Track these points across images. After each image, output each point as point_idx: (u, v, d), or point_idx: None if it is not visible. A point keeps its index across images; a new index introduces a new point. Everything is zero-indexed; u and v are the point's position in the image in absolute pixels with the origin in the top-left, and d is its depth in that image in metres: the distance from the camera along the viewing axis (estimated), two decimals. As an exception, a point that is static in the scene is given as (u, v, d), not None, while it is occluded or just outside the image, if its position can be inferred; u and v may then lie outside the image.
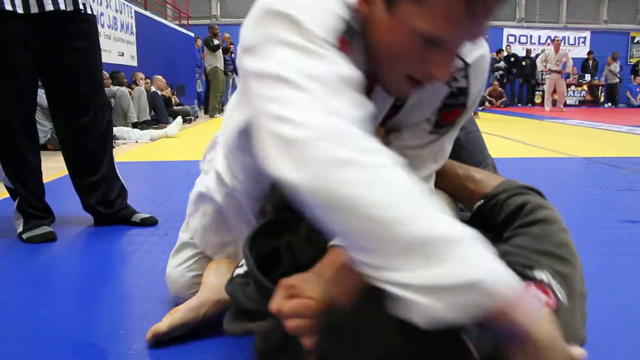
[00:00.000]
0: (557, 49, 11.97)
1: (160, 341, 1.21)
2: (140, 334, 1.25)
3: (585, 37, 16.99)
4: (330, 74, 0.73)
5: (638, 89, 16.14)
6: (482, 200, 1.03)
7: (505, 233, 0.94)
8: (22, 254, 1.96)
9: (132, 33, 9.41)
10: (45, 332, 1.31)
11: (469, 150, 1.34)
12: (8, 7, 1.91)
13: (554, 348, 0.64)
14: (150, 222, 2.30)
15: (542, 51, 14.07)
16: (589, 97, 16.28)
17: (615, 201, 2.87)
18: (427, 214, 0.65)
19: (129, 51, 9.21)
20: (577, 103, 15.93)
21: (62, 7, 2.02)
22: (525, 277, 0.80)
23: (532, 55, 15.56)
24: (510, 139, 6.07)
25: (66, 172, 2.36)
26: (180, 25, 13.73)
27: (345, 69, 0.75)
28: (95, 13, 2.21)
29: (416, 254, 0.62)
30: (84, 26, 2.13)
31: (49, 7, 1.99)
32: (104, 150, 2.28)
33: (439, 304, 0.61)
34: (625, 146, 5.65)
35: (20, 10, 1.94)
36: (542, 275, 0.81)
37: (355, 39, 0.82)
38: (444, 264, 0.61)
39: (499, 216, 0.99)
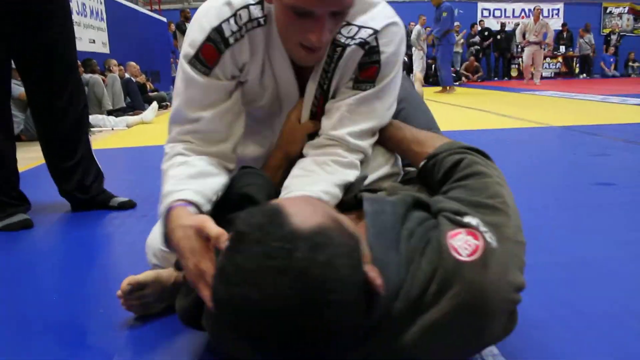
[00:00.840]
0: (536, 19, 11.51)
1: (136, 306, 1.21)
2: (122, 312, 1.25)
3: (558, 9, 17.08)
4: (178, 104, 1.14)
5: (611, 60, 16.33)
6: (425, 160, 1.08)
7: (443, 187, 0.99)
8: (-1, 242, 1.94)
9: (102, 19, 9.24)
10: (27, 314, 1.30)
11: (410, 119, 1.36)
12: None
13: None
14: (128, 206, 2.29)
15: (517, 24, 14.13)
16: (564, 69, 16.42)
17: (589, 166, 2.92)
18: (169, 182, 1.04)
19: (100, 38, 9.04)
20: (552, 75, 16.06)
21: None
22: (457, 223, 0.85)
23: (507, 28, 15.61)
24: (487, 112, 6.11)
25: (40, 162, 2.33)
26: (152, 10, 13.51)
27: (194, 90, 1.12)
28: None
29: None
30: (56, 6, 2.09)
31: None
32: (79, 134, 2.25)
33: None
34: (599, 114, 5.74)
35: None
36: (472, 220, 0.85)
37: (250, 31, 1.09)
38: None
39: (438, 173, 1.04)
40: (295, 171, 1.13)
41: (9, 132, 2.14)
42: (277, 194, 1.10)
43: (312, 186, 1.06)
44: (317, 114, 1.19)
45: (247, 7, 1.08)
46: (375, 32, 1.11)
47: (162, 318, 1.23)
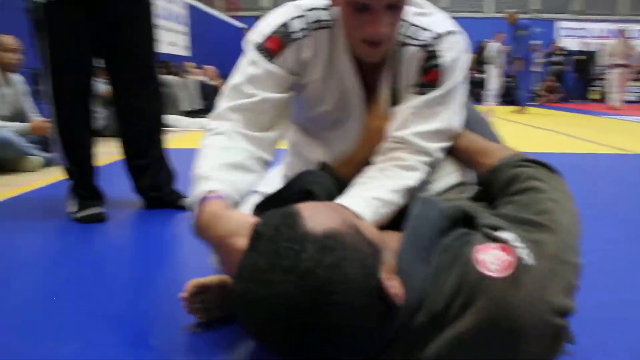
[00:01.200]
0: (623, 40, 10.80)
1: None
2: (185, 314, 1.26)
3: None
4: (237, 80, 1.18)
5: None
6: (486, 172, 1.06)
7: (496, 202, 0.97)
8: (74, 233, 2.01)
9: (185, 24, 9.58)
10: (93, 309, 1.34)
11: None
12: None
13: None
14: (197, 206, 2.32)
15: (601, 45, 13.57)
16: (650, 93, 15.59)
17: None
18: (208, 164, 1.06)
19: (181, 41, 9.37)
20: (637, 99, 15.27)
21: None
22: (490, 237, 0.83)
23: (588, 49, 15.02)
24: (563, 134, 5.87)
25: (118, 158, 2.42)
26: (230, 16, 13.88)
27: (256, 69, 1.16)
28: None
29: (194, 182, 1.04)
30: (140, 10, 2.18)
31: None
32: (155, 133, 2.33)
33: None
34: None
35: None
36: (507, 235, 0.82)
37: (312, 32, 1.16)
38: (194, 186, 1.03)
39: (495, 187, 1.01)
40: (357, 179, 1.12)
41: (89, 127, 2.23)
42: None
43: (366, 192, 1.05)
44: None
45: (315, 9, 1.17)
46: (439, 35, 1.14)
47: (223, 327, 1.23)
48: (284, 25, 1.16)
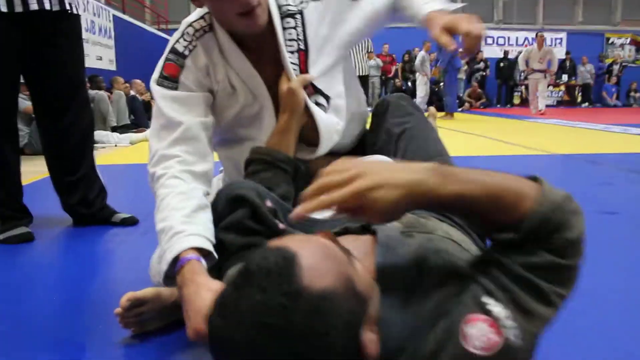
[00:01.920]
0: (540, 46, 10.79)
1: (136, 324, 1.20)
2: (120, 328, 1.24)
3: (561, 38, 17.24)
4: (159, 122, 1.27)
5: (613, 89, 16.42)
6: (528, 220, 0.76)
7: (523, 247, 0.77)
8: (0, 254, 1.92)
9: (110, 37, 9.34)
10: (26, 329, 1.29)
11: (420, 140, 1.39)
12: None
13: None
14: (130, 222, 2.28)
15: (520, 52, 14.17)
16: (566, 97, 16.50)
17: (593, 194, 2.91)
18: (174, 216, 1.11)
19: (107, 55, 9.13)
20: (555, 103, 16.13)
21: (48, 6, 2.01)
22: (481, 307, 0.74)
23: (510, 56, 15.74)
24: (490, 138, 6.13)
25: (43, 176, 2.34)
26: (159, 29, 13.64)
27: (169, 102, 1.26)
28: (79, 13, 2.19)
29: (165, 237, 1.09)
30: (68, 25, 2.12)
31: (34, 6, 1.97)
32: (84, 150, 2.26)
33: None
34: (601, 143, 5.75)
35: (4, 9, 1.92)
36: (499, 311, 0.73)
37: (198, 38, 1.28)
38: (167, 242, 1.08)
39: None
40: None
41: (15, 145, 2.15)
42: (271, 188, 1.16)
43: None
44: (303, 71, 1.33)
45: (190, 24, 1.29)
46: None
47: (160, 336, 1.22)
48: (172, 51, 1.28)
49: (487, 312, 0.73)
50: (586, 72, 16.16)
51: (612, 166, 3.96)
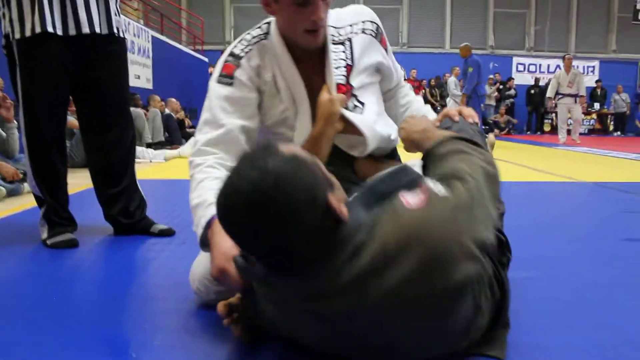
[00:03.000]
0: (568, 69, 10.19)
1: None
2: (162, 327, 1.34)
3: (594, 66, 17.10)
4: (206, 115, 1.46)
5: (647, 118, 16.18)
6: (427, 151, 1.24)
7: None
8: (47, 259, 2.06)
9: (148, 57, 9.65)
10: (72, 327, 1.39)
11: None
12: (50, 29, 2.07)
13: None
14: (168, 233, 2.40)
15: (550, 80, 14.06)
16: (598, 126, 16.32)
17: (618, 222, 2.93)
18: (209, 193, 1.30)
19: (145, 74, 9.42)
20: (586, 132, 15.96)
21: (98, 30, 2.18)
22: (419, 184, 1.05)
23: (541, 83, 15.69)
24: (518, 164, 6.14)
25: (83, 188, 2.48)
26: (195, 50, 14.01)
27: (221, 101, 1.45)
28: (125, 37, 2.35)
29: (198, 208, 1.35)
30: (115, 48, 2.28)
31: (86, 30, 2.15)
32: (127, 164, 2.41)
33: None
34: (633, 172, 5.71)
35: (60, 33, 2.09)
36: (428, 182, 1.05)
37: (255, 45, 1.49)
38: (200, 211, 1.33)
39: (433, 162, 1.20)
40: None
41: (64, 157, 2.30)
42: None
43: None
44: (347, 80, 1.51)
45: (248, 33, 1.51)
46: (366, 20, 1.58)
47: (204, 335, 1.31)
48: (230, 54, 1.48)
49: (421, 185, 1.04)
50: (621, 100, 15.97)
51: (637, 194, 3.95)
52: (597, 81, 16.40)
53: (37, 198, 2.29)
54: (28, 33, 2.07)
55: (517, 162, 6.36)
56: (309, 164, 0.97)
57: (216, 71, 1.48)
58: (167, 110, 8.16)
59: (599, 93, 16.31)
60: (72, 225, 2.30)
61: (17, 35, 2.09)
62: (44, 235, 2.21)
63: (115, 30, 2.25)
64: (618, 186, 4.38)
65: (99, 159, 2.38)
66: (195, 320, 1.43)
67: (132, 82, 8.50)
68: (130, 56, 8.44)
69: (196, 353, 1.23)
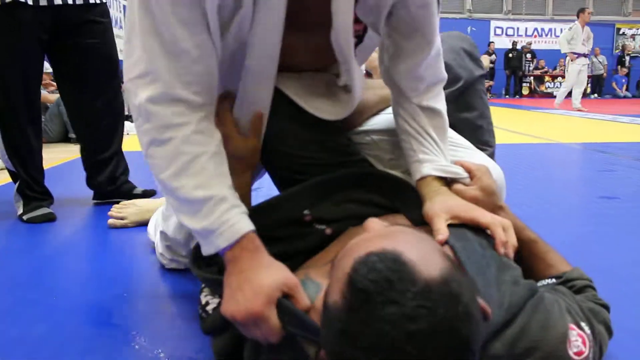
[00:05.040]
0: (584, 24, 9.13)
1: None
2: (144, 295, 1.34)
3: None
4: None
5: (623, 80, 16.35)
6: (555, 279, 1.05)
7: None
8: (24, 234, 2.03)
9: (121, 27, 9.42)
10: (56, 298, 1.39)
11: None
12: None
13: None
14: (151, 193, 2.44)
15: (529, 43, 14.04)
16: (575, 89, 16.45)
17: (595, 181, 2.98)
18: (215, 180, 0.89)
19: (119, 45, 9.22)
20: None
21: (70, 1, 2.10)
22: (573, 318, 0.89)
23: (519, 47, 15.72)
24: (499, 128, 6.17)
25: (59, 162, 2.44)
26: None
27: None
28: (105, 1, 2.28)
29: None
30: (93, 13, 2.21)
31: (58, 1, 2.07)
32: (117, 128, 2.42)
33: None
34: (608, 133, 5.79)
35: (30, 2, 2.02)
36: (587, 330, 0.89)
37: None
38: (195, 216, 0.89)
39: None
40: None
41: (39, 131, 2.26)
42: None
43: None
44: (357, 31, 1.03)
45: None
46: None
47: (179, 296, 1.31)
48: None
49: (581, 328, 0.88)
50: (598, 62, 16.08)
51: (615, 154, 4.02)
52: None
53: (10, 173, 2.25)
54: (-3, 2, 1.99)
55: (498, 125, 6.38)
56: (458, 274, 0.68)
57: None
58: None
59: (576, 55, 16.39)
60: (48, 199, 2.26)
61: (-14, 4, 2.01)
62: (20, 210, 2.18)
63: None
64: (593, 146, 4.44)
65: (88, 125, 2.36)
66: (180, 285, 1.43)
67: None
68: (119, 32, 8.27)
69: (181, 318, 1.24)
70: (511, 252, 0.94)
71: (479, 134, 1.46)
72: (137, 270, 1.60)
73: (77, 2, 2.13)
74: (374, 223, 0.79)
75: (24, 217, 2.15)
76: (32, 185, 2.21)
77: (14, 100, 2.12)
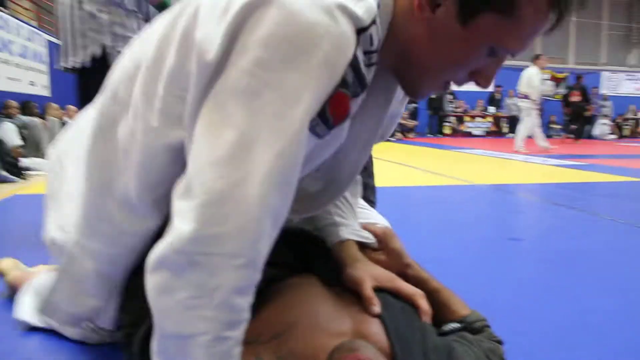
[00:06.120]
0: (542, 68, 9.48)
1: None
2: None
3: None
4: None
5: (536, 121, 17.40)
6: (457, 324, 1.16)
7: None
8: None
9: (43, 62, 9.20)
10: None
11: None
12: None
13: None
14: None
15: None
16: (493, 128, 17.35)
17: (504, 222, 3.20)
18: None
19: (40, 81, 8.98)
20: (484, 134, 16.94)
21: None
22: None
23: (441, 88, 16.40)
24: (417, 168, 6.44)
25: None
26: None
27: None
28: None
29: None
30: None
31: None
32: None
33: None
34: (519, 174, 6.18)
35: None
36: None
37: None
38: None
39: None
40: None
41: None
42: None
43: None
44: None
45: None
46: None
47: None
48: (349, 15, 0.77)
49: None
50: (513, 104, 17.08)
51: (525, 196, 4.31)
52: (497, 86, 17.42)
53: None
54: None
55: (416, 165, 6.67)
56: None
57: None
58: (66, 119, 7.83)
59: (495, 97, 17.35)
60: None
61: None
62: None
63: None
64: (507, 188, 4.74)
65: None
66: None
67: (27, 89, 8.10)
68: (23, 61, 8.05)
69: None
70: (430, 319, 1.05)
71: (368, 192, 1.54)
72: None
73: None
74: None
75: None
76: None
77: None
